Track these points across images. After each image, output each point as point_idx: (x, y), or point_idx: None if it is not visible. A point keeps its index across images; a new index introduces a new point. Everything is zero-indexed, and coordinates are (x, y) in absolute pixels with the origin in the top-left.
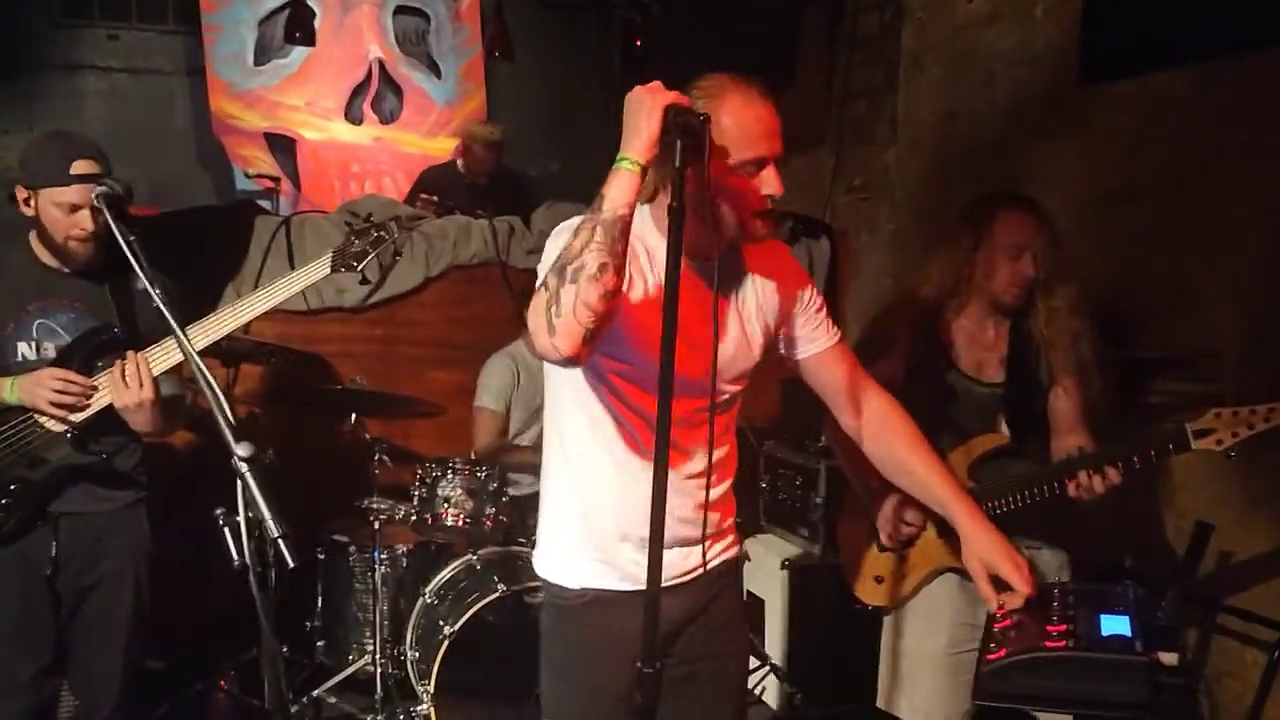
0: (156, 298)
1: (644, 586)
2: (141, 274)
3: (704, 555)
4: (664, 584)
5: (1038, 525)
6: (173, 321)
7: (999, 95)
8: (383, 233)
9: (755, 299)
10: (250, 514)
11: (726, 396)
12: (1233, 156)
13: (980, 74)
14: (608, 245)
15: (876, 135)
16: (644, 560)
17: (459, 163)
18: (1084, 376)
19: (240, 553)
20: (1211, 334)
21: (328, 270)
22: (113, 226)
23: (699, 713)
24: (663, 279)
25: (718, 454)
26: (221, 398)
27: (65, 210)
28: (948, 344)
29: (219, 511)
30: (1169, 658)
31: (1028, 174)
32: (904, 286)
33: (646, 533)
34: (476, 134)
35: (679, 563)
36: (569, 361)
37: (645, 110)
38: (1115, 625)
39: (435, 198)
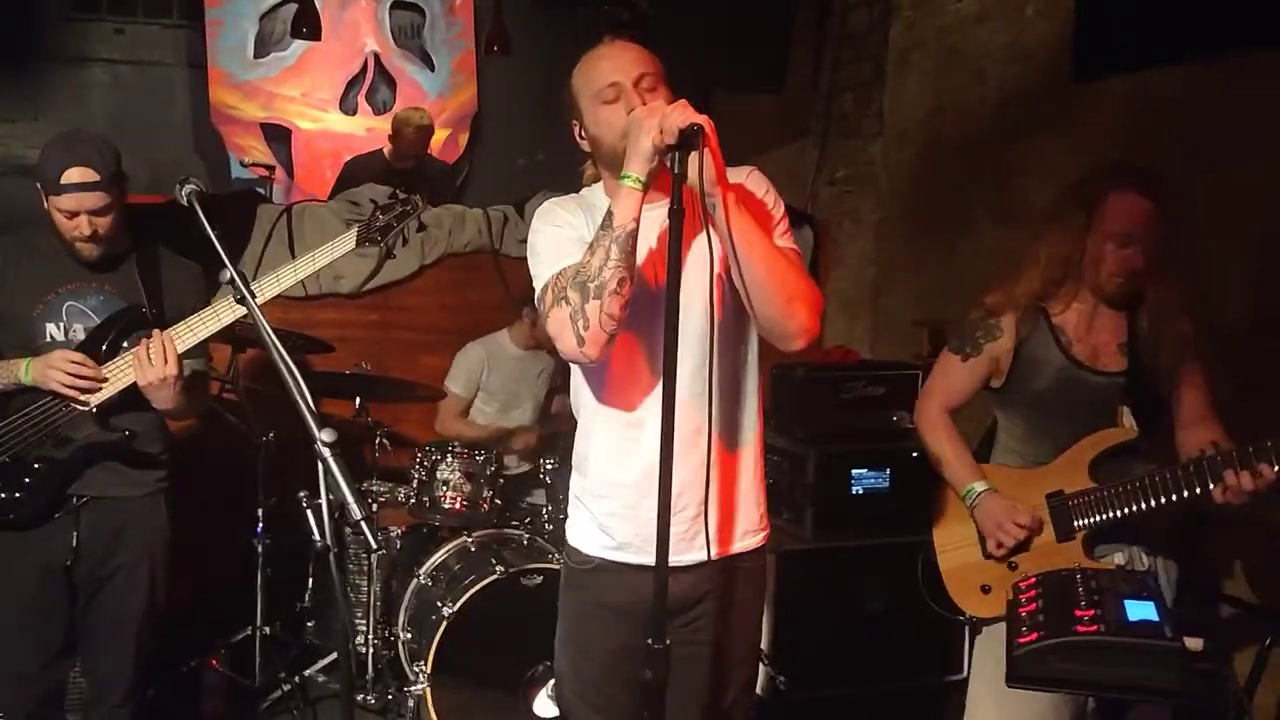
0: (241, 288)
1: (645, 561)
2: (230, 267)
3: (707, 541)
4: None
5: (1153, 534)
6: (257, 313)
7: (988, 91)
8: (408, 207)
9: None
10: (331, 497)
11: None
12: (1222, 155)
13: (969, 70)
14: (623, 260)
15: (863, 129)
16: (645, 533)
17: (385, 150)
18: (1206, 364)
19: (322, 534)
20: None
21: (353, 244)
22: (203, 222)
23: (694, 695)
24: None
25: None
26: (302, 384)
27: (65, 215)
28: (1059, 330)
29: (302, 494)
30: (1195, 643)
31: (1018, 168)
32: (1012, 268)
33: (641, 503)
34: (409, 118)
35: (678, 544)
36: (595, 361)
37: (643, 130)
38: (1142, 611)
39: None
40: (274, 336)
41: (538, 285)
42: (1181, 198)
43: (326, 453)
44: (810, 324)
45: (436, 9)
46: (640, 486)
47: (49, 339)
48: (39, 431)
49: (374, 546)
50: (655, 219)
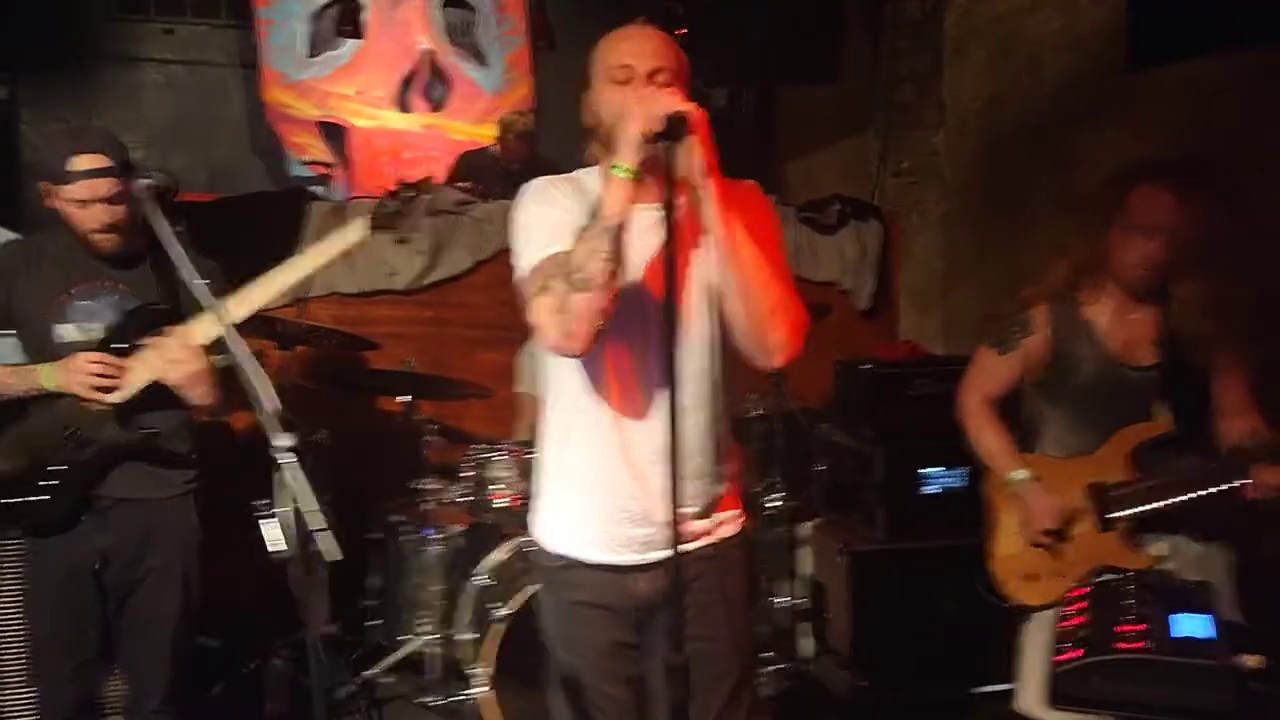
0: (195, 290)
1: (612, 559)
2: (181, 266)
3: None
4: (634, 561)
5: (1202, 520)
6: (219, 308)
7: (1045, 80)
8: (414, 191)
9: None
10: (295, 504)
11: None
12: None
13: (1025, 59)
14: (611, 251)
15: (924, 119)
16: (614, 532)
17: (495, 148)
18: (1242, 353)
19: (281, 543)
20: None
21: (365, 232)
22: (153, 219)
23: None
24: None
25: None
26: (269, 385)
27: (77, 206)
28: (1091, 324)
29: (262, 503)
30: (1255, 661)
31: (1077, 158)
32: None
33: (614, 504)
34: (511, 123)
35: (645, 544)
36: (580, 354)
37: (630, 118)
38: (1192, 626)
39: (470, 184)
40: (236, 334)
41: (523, 265)
42: (1241, 186)
43: (285, 459)
44: (791, 339)
45: (486, 6)
46: (616, 485)
47: (63, 340)
48: (59, 434)
49: (327, 557)
50: (651, 215)
